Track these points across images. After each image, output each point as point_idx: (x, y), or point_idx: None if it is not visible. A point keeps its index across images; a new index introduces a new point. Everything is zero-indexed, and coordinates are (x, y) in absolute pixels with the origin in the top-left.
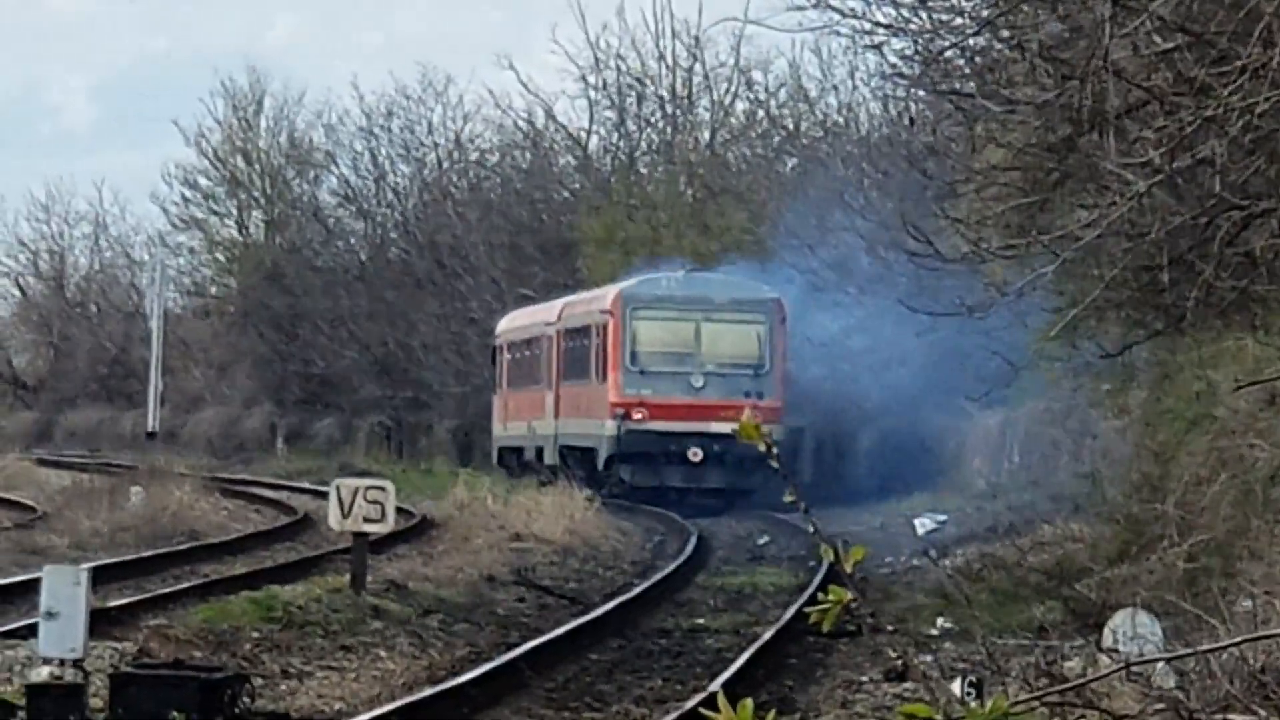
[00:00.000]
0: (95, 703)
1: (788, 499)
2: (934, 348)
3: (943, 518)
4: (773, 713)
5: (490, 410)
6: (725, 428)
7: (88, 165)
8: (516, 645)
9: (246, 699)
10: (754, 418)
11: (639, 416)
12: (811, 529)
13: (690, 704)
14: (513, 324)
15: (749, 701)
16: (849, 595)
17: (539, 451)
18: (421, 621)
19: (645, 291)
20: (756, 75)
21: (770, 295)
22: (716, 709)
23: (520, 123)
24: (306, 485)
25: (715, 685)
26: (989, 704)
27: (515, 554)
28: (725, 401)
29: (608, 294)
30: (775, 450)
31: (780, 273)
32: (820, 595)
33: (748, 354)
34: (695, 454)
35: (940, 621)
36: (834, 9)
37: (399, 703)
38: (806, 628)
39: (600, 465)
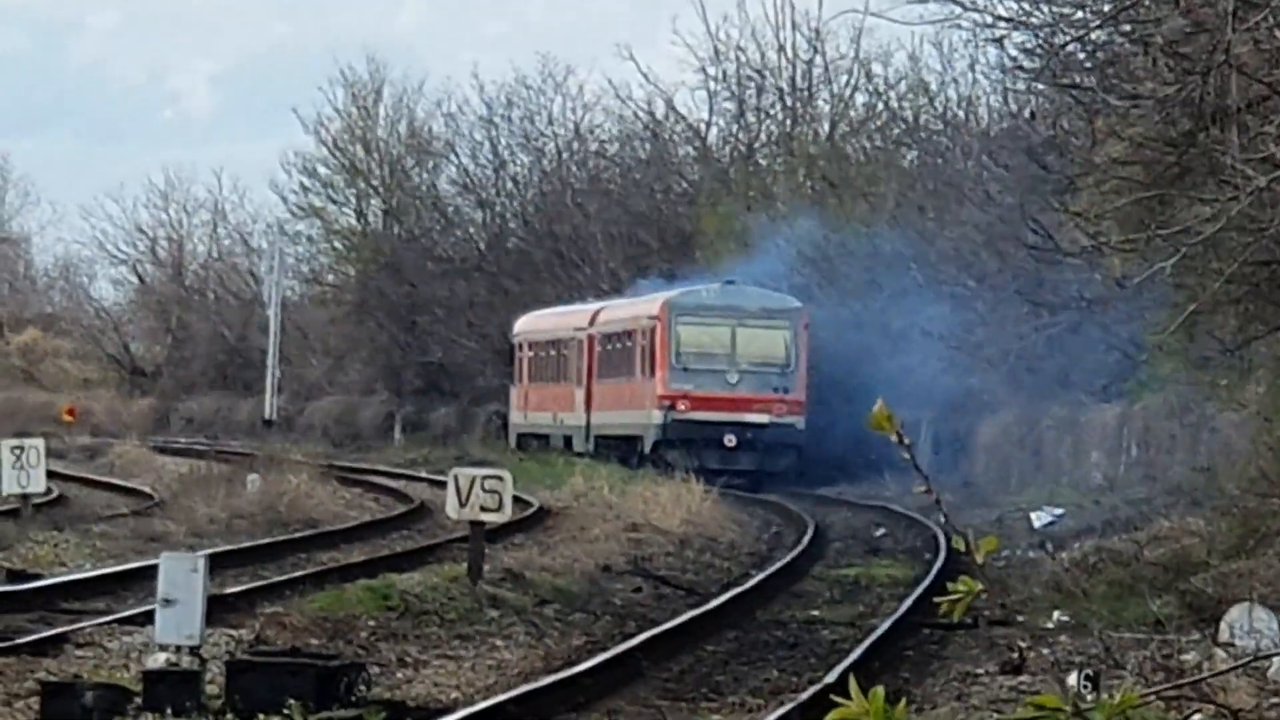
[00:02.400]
0: (211, 690)
1: (917, 490)
2: (1051, 342)
3: (1059, 511)
4: (903, 702)
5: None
6: (756, 418)
7: (207, 153)
8: (633, 635)
9: (363, 687)
10: (780, 411)
11: (683, 407)
12: (943, 518)
13: (805, 695)
14: (533, 325)
15: (880, 690)
16: (979, 586)
17: (567, 439)
18: (538, 611)
19: (688, 300)
20: (876, 68)
21: (795, 305)
22: (836, 700)
23: (640, 114)
24: (424, 474)
25: (831, 676)
26: (1118, 696)
27: (632, 544)
28: (757, 395)
29: (655, 302)
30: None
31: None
32: (950, 584)
33: (776, 355)
34: (730, 440)
35: (1056, 615)
36: (955, 2)
37: (515, 692)
38: (923, 620)
39: (647, 449)
